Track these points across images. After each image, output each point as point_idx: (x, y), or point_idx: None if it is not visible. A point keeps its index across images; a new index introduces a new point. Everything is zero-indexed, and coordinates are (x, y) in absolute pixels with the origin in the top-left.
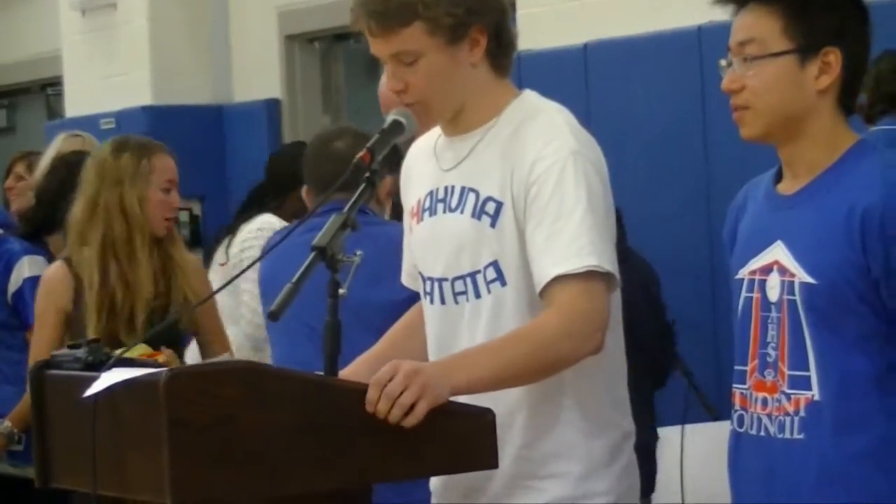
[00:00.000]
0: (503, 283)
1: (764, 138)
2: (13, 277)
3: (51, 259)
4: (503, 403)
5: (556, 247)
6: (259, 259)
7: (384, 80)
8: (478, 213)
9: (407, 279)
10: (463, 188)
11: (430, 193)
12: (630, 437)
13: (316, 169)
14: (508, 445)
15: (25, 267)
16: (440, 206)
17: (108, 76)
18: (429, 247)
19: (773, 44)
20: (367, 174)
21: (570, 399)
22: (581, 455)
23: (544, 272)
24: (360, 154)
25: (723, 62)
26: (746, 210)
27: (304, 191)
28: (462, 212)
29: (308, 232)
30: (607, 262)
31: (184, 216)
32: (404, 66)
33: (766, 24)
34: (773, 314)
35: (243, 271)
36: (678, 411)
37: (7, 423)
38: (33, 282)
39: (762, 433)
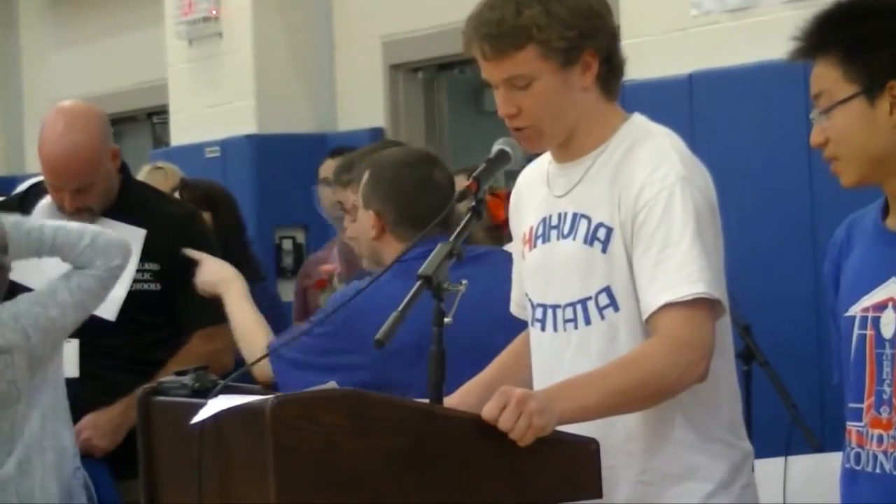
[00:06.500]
0: (616, 309)
1: (862, 182)
2: None
3: None
4: (619, 431)
5: (664, 274)
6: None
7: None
8: (589, 238)
9: (515, 308)
10: (575, 214)
11: (544, 220)
12: (749, 456)
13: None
14: (628, 471)
15: None
16: (553, 233)
17: (213, 105)
18: (541, 273)
19: (837, 92)
20: (473, 204)
21: (683, 422)
22: (704, 476)
23: (652, 300)
24: (467, 183)
25: (812, 115)
26: (852, 247)
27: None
28: (574, 238)
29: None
30: (715, 288)
31: (287, 244)
32: (517, 90)
33: (829, 75)
34: (888, 350)
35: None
36: (781, 442)
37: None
38: None
39: (878, 470)
